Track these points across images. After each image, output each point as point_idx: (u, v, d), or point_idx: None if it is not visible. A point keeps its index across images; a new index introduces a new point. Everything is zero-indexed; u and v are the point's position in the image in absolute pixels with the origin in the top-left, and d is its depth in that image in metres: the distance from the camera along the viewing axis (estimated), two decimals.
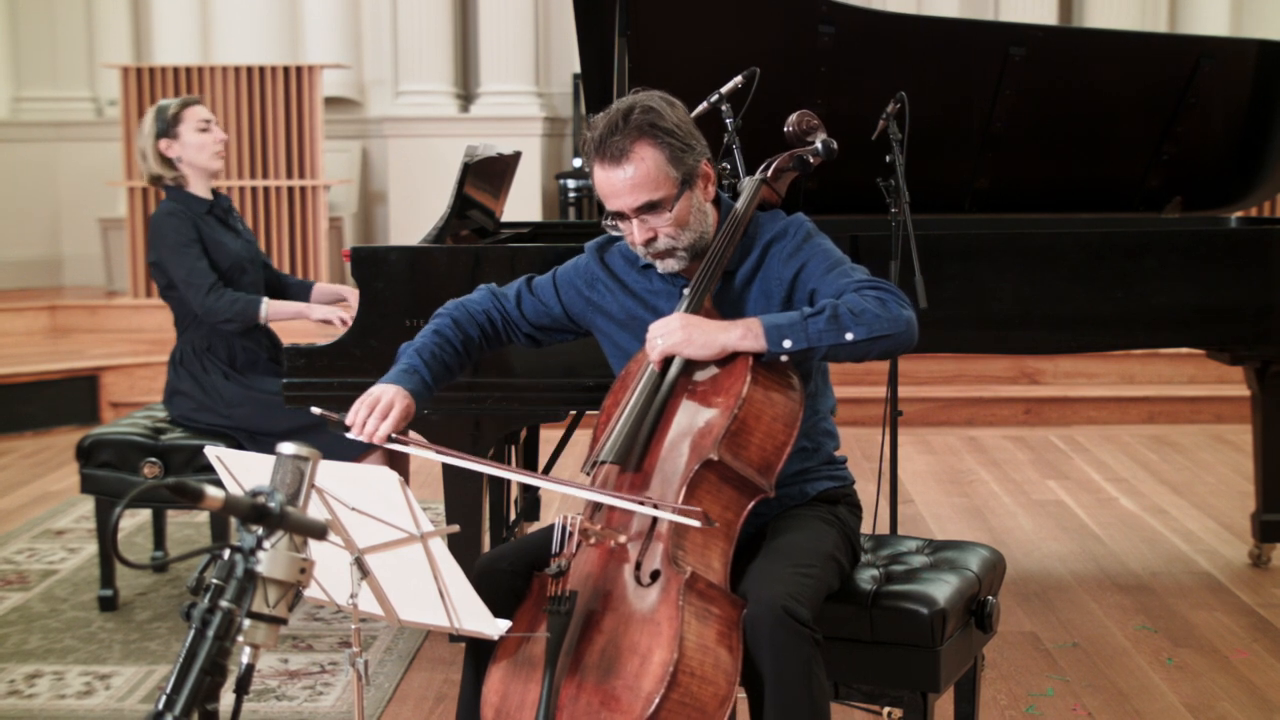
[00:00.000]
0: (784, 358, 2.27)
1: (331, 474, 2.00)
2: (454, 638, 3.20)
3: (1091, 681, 3.42)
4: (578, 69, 7.44)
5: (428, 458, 2.39)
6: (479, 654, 2.33)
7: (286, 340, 3.71)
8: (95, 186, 8.54)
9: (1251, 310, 3.87)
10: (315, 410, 2.41)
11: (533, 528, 4.49)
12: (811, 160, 2.67)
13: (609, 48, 3.85)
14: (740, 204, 2.49)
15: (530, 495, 4.58)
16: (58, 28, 9.16)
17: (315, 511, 2.01)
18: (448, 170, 4.20)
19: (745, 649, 2.14)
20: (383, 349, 3.41)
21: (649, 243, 2.40)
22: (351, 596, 2.10)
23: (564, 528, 2.28)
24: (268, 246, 7.60)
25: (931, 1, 8.67)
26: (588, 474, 2.35)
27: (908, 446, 5.93)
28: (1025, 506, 5.06)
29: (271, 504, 1.62)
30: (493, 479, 3.92)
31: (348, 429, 2.37)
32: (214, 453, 2.15)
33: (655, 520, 2.20)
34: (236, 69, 7.65)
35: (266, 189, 7.68)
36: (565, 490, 2.34)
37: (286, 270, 7.60)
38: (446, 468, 3.54)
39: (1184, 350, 6.35)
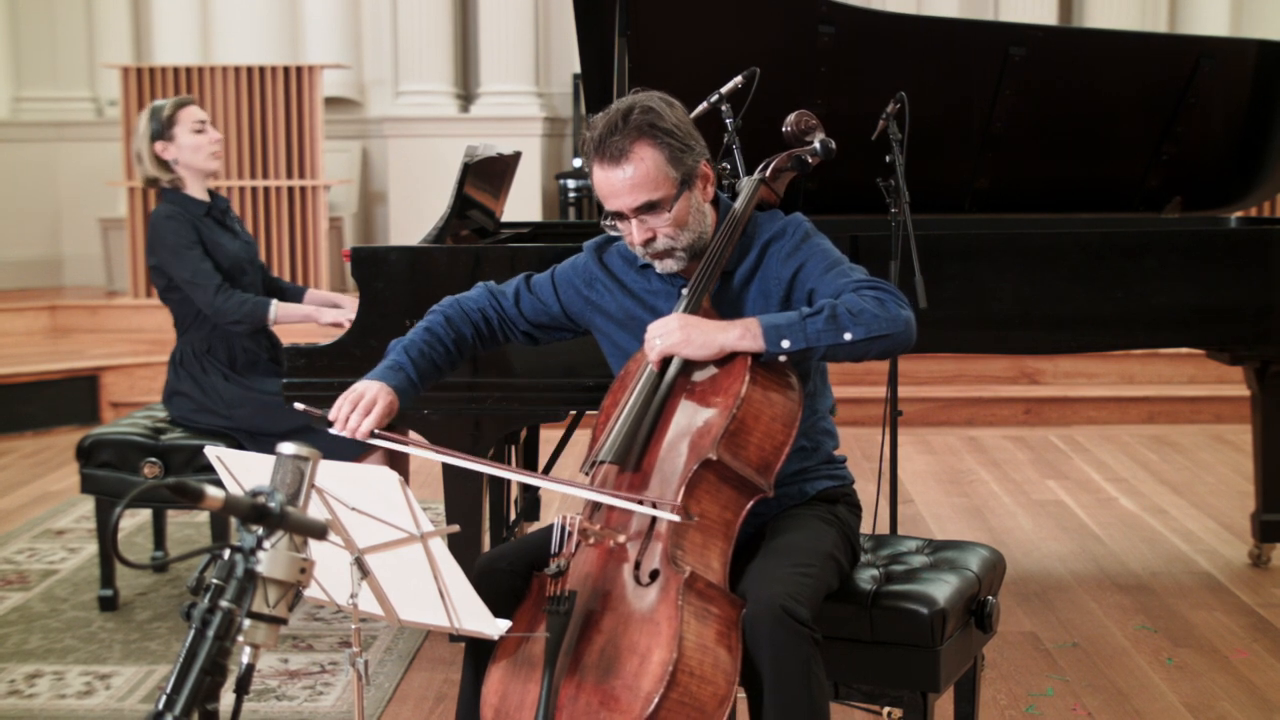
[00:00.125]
0: (782, 358, 2.27)
1: (331, 474, 2.00)
2: (454, 638, 3.20)
3: (1091, 681, 3.42)
4: (578, 69, 7.44)
5: (415, 454, 2.40)
6: (479, 654, 2.33)
7: (286, 340, 3.71)
8: (95, 186, 8.54)
9: (1251, 310, 3.87)
10: (299, 406, 2.42)
11: (533, 528, 4.49)
12: (810, 160, 2.67)
13: (609, 48, 3.85)
14: (739, 204, 2.49)
15: (530, 495, 4.58)
16: (58, 28, 9.16)
17: (315, 511, 2.01)
18: (448, 170, 4.20)
19: (744, 648, 2.14)
20: (383, 349, 3.38)
21: (648, 243, 2.40)
22: (351, 596, 2.10)
23: (563, 528, 2.28)
24: (267, 247, 7.60)
25: (931, 1, 8.67)
26: (586, 474, 2.35)
27: (908, 446, 5.93)
28: (1025, 506, 5.06)
29: (271, 504, 1.62)
30: (493, 479, 3.92)
31: (330, 424, 2.38)
32: (214, 453, 2.15)
33: (654, 520, 2.20)
34: (236, 69, 7.65)
35: (266, 189, 7.68)
36: (537, 483, 2.35)
37: (286, 270, 7.60)
38: (446, 467, 3.54)
39: (1184, 350, 6.35)
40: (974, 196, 4.45)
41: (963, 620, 2.49)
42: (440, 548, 2.04)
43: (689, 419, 2.29)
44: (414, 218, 8.28)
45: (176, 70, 7.66)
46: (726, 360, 2.30)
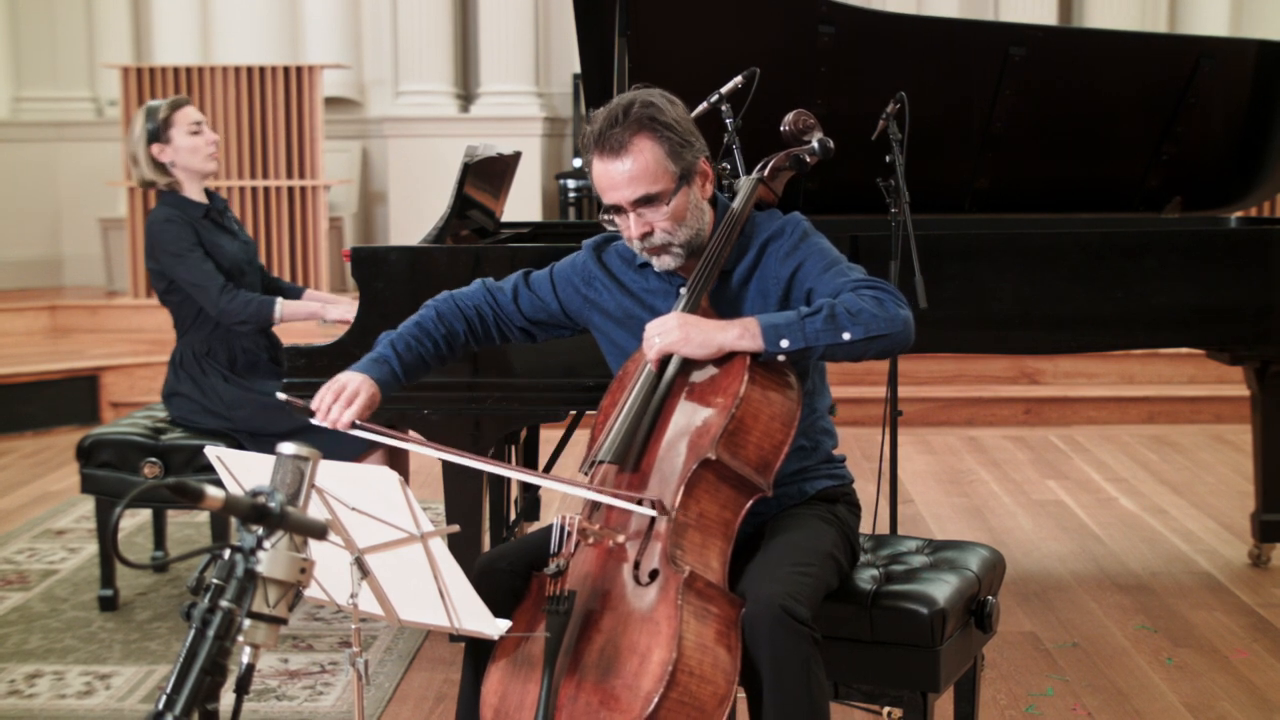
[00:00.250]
0: (781, 357, 2.27)
1: (331, 474, 2.00)
2: (454, 638, 3.20)
3: (1091, 681, 3.42)
4: (578, 69, 7.45)
5: (395, 445, 2.39)
6: (478, 654, 2.33)
7: (286, 341, 3.71)
8: (95, 186, 8.54)
9: (1251, 310, 3.87)
10: (281, 396, 2.43)
11: (532, 527, 4.49)
12: (808, 159, 2.67)
13: (609, 48, 3.85)
14: (737, 203, 2.49)
15: (530, 495, 4.58)
16: (58, 28, 9.16)
17: (315, 511, 2.01)
18: (448, 170, 4.20)
19: (744, 648, 2.14)
20: None
21: (644, 237, 2.40)
22: (351, 596, 2.10)
23: (562, 527, 2.28)
24: (267, 247, 7.60)
25: (931, 1, 8.67)
26: (585, 474, 2.35)
27: (908, 446, 5.93)
28: (1025, 506, 5.06)
29: (271, 504, 1.62)
30: (493, 479, 3.93)
31: (312, 414, 2.39)
32: (214, 453, 2.15)
33: (654, 519, 2.20)
34: (236, 69, 7.65)
35: (266, 189, 7.68)
36: (521, 477, 2.34)
37: (286, 270, 7.60)
38: (446, 467, 3.54)
39: (1184, 350, 6.35)
40: (974, 196, 4.45)
41: (963, 620, 2.49)
42: (440, 548, 2.04)
43: (688, 418, 2.29)
44: (414, 218, 8.29)
45: (176, 70, 7.66)
46: (725, 360, 2.30)
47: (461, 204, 3.81)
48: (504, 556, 2.40)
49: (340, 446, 3.63)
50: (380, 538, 2.05)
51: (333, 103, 8.67)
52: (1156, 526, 4.79)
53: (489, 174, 4.11)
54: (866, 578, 2.51)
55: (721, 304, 2.45)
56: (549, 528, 2.34)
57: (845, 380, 5.95)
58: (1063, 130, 4.34)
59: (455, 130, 8.53)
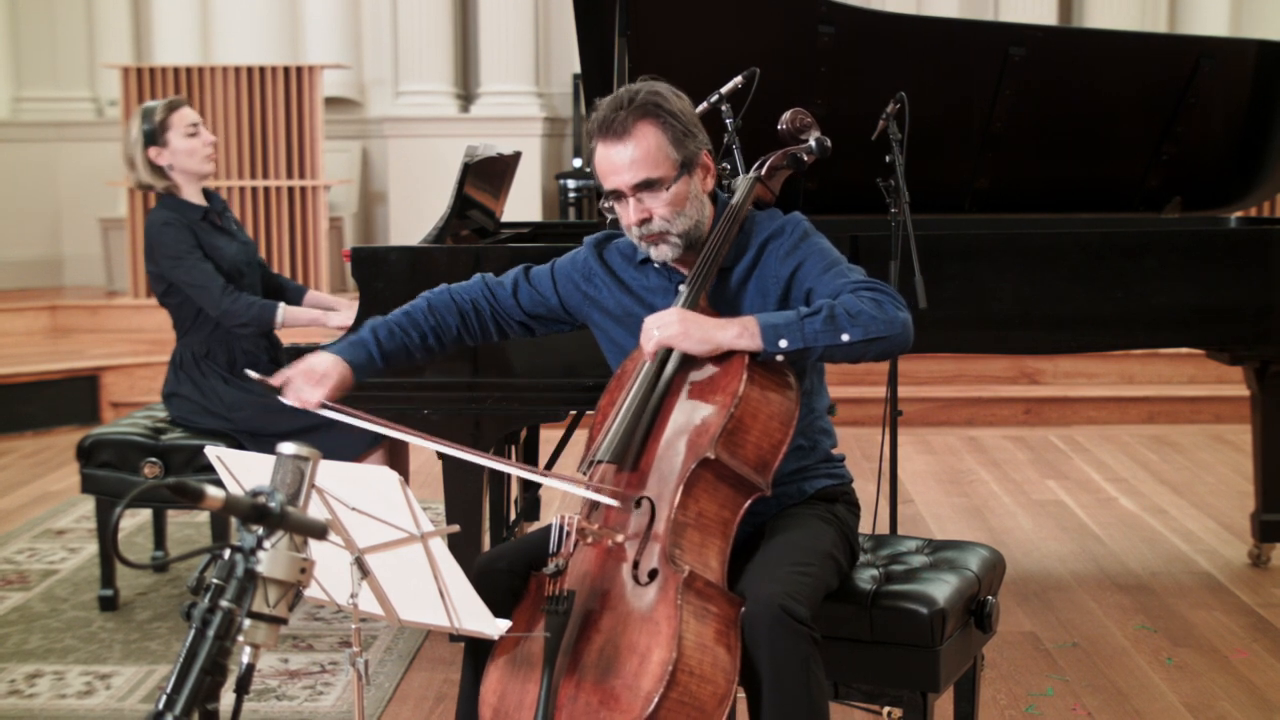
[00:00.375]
0: (779, 357, 2.27)
1: (331, 474, 2.00)
2: (454, 638, 3.20)
3: (1091, 681, 3.42)
4: (578, 69, 7.45)
5: (364, 427, 2.35)
6: (478, 654, 2.33)
7: (286, 341, 3.71)
8: (95, 186, 8.54)
9: (1251, 310, 3.87)
10: (251, 374, 2.44)
11: (532, 527, 4.49)
12: (806, 158, 2.67)
13: (609, 48, 3.85)
14: (735, 200, 2.49)
15: (530, 495, 4.58)
16: (58, 28, 9.16)
17: (315, 511, 2.01)
18: (448, 170, 4.20)
19: (744, 648, 2.14)
20: None
21: (643, 223, 2.40)
22: (351, 596, 2.10)
23: (561, 527, 2.28)
24: (267, 247, 7.60)
25: (931, 1, 8.67)
26: (584, 473, 2.35)
27: (908, 446, 5.93)
28: (1025, 506, 5.06)
29: (272, 504, 1.62)
30: (493, 479, 3.92)
31: (279, 391, 2.41)
32: (214, 453, 2.15)
33: (652, 519, 2.20)
34: (236, 69, 7.65)
35: (266, 189, 7.68)
36: (509, 470, 2.34)
37: (286, 271, 7.59)
38: (446, 467, 3.54)
39: (1184, 350, 6.35)
40: (974, 196, 4.45)
41: (962, 620, 2.49)
42: (440, 548, 2.04)
43: (687, 418, 2.29)
44: (414, 218, 8.29)
45: (176, 70, 7.66)
46: (723, 358, 2.30)
47: (461, 204, 3.81)
48: (503, 556, 2.40)
49: (340, 447, 3.65)
50: (380, 538, 2.05)
51: (333, 103, 8.67)
52: (1156, 526, 4.79)
53: (489, 174, 4.11)
54: (866, 577, 2.51)
55: (720, 302, 2.45)
56: (549, 527, 2.34)
57: (845, 380, 5.95)
58: (1063, 130, 4.34)
59: (455, 130, 8.53)
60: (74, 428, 6.48)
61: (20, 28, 9.17)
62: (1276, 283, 3.85)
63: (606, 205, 2.44)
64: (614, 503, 2.21)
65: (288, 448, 1.73)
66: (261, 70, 7.64)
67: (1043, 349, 4.63)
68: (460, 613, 2.10)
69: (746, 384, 2.25)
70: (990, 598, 2.56)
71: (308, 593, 2.09)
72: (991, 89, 4.21)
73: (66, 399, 6.61)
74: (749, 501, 2.29)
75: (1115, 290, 3.78)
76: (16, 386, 6.51)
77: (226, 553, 1.63)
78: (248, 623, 1.63)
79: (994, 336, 3.87)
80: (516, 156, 4.43)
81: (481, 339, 2.67)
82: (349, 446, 3.73)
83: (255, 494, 1.64)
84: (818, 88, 4.10)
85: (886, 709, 2.45)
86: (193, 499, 1.54)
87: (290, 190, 7.68)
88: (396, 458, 4.10)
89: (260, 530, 1.64)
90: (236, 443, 3.85)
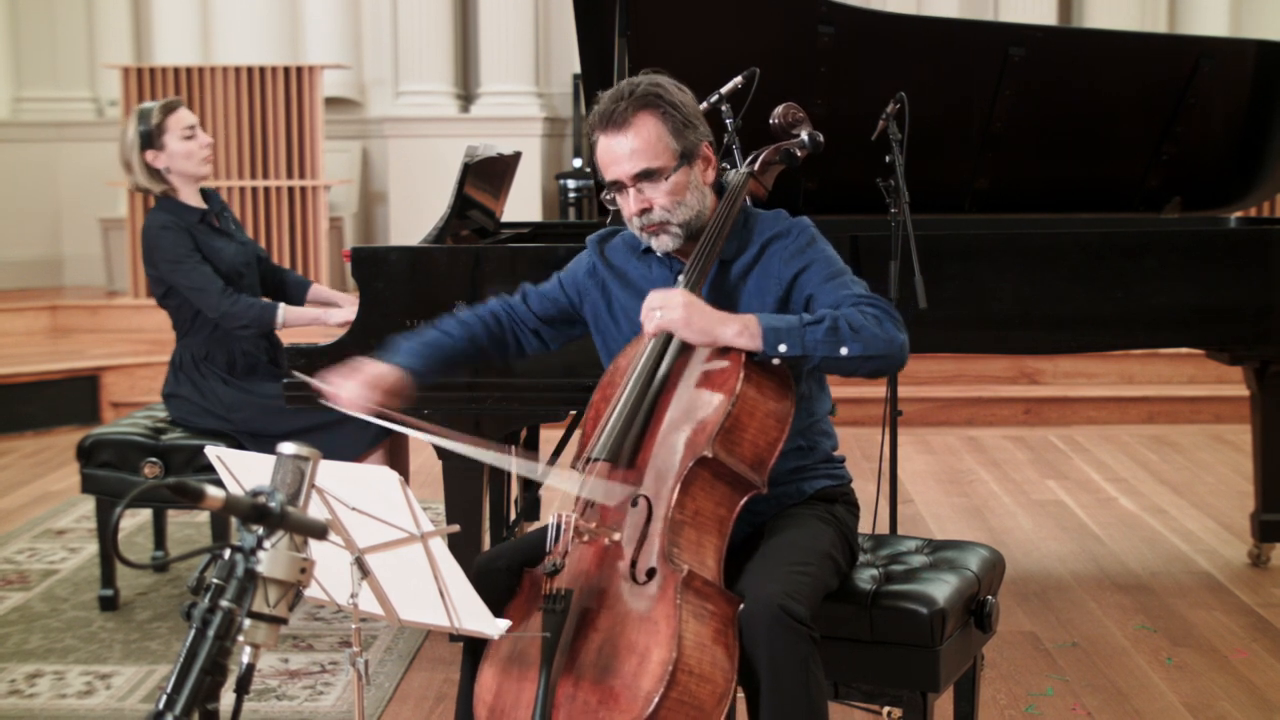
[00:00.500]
0: (776, 360, 2.27)
1: (332, 474, 2.00)
2: (454, 637, 3.20)
3: (1091, 681, 3.42)
4: (578, 69, 7.45)
5: (411, 433, 2.38)
6: (477, 653, 2.33)
7: (287, 341, 3.71)
8: (95, 186, 8.54)
9: (1251, 310, 3.87)
10: (300, 376, 2.43)
11: (532, 527, 4.49)
12: (798, 153, 2.67)
13: (609, 48, 3.85)
14: (728, 193, 2.50)
15: (530, 495, 4.58)
16: (58, 28, 9.16)
17: (315, 511, 2.01)
18: (448, 170, 4.20)
19: (743, 647, 2.14)
20: (382, 349, 3.41)
21: (643, 213, 2.40)
22: (351, 596, 2.10)
23: (558, 525, 2.28)
24: (267, 247, 7.59)
25: (931, 1, 8.68)
26: (580, 471, 2.34)
27: (908, 446, 5.93)
28: (1025, 506, 5.06)
29: (272, 504, 1.62)
30: (492, 479, 3.92)
31: (322, 395, 2.40)
32: (214, 453, 2.15)
33: (649, 518, 2.20)
34: (236, 69, 7.65)
35: (266, 189, 7.68)
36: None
37: None
38: (446, 468, 3.54)
39: (1184, 350, 6.35)
40: (974, 196, 4.45)
41: (962, 620, 2.50)
42: (440, 548, 2.04)
43: (683, 415, 2.28)
44: (414, 218, 8.29)
45: (176, 70, 7.66)
46: (720, 355, 2.29)
47: (461, 204, 3.81)
48: (502, 556, 2.40)
49: (341, 447, 3.65)
50: (380, 538, 2.05)
51: (333, 103, 8.67)
52: (1156, 526, 4.79)
53: (489, 174, 4.11)
54: (866, 577, 2.52)
55: (719, 293, 2.45)
56: (547, 527, 2.34)
57: (845, 380, 5.93)
58: (1062, 130, 4.34)
59: (455, 130, 8.53)
60: (74, 428, 6.48)
61: (20, 28, 9.17)
62: (1276, 283, 3.85)
63: (608, 197, 2.44)
64: (633, 490, 2.20)
65: (288, 448, 1.73)
66: (261, 70, 7.64)
67: (1043, 349, 4.64)
68: (460, 613, 2.10)
69: (744, 382, 2.25)
70: (990, 598, 2.56)
71: (308, 593, 2.09)
72: (991, 89, 4.21)
73: (67, 399, 6.61)
74: (745, 499, 2.29)
75: (1115, 290, 3.78)
76: (17, 386, 6.51)
77: (227, 553, 1.63)
78: (248, 623, 1.63)
79: (994, 336, 3.87)
80: (516, 156, 4.43)
81: (502, 352, 2.67)
82: (349, 446, 3.73)
83: (255, 494, 1.64)
84: (818, 88, 4.10)
85: (886, 709, 2.45)
86: (193, 499, 1.54)
87: (290, 190, 7.68)
88: (396, 458, 4.11)
89: (260, 530, 1.64)
90: (237, 443, 3.84)
